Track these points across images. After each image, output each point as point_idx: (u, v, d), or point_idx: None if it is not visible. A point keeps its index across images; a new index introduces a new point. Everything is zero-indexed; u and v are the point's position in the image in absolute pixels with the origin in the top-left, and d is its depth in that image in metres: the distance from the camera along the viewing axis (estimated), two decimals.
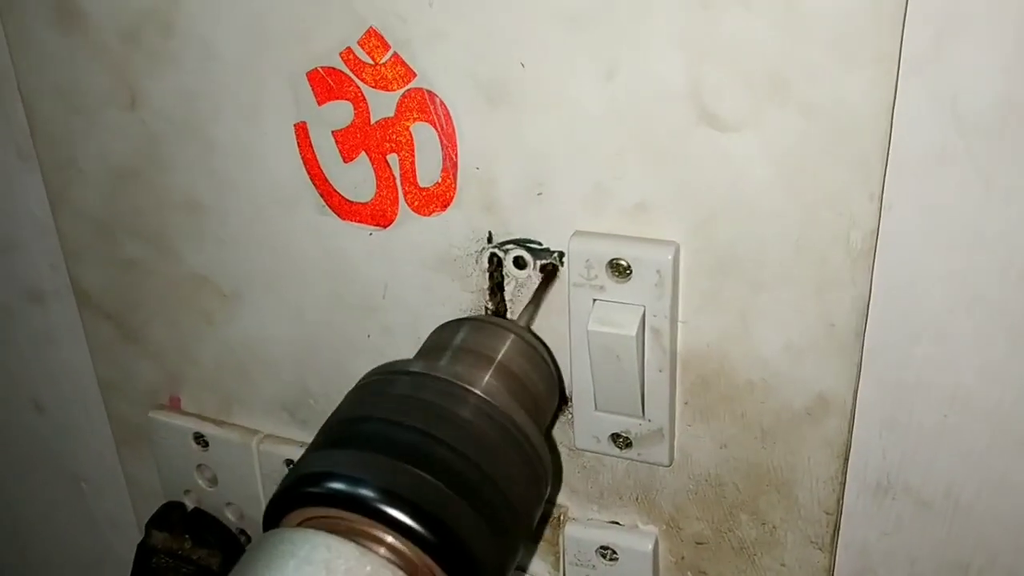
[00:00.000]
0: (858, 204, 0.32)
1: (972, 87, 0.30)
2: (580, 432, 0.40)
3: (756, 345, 0.36)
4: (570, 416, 0.40)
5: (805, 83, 0.31)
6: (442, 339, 0.37)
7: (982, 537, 0.37)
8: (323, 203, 0.41)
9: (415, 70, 0.37)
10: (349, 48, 0.37)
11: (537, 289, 0.38)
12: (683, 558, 0.42)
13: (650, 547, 0.41)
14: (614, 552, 0.42)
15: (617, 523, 0.42)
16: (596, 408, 0.38)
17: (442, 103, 0.37)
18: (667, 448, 0.39)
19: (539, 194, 0.37)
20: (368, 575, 0.27)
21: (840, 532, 0.39)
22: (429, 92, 0.37)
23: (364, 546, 0.28)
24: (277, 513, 0.30)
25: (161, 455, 0.52)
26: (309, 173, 0.41)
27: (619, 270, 0.35)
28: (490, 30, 0.35)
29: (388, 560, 0.28)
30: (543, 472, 0.33)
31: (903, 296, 0.34)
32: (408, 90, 0.37)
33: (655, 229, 0.36)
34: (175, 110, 0.43)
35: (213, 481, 0.51)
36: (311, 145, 0.40)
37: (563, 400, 0.40)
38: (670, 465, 0.39)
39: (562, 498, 0.43)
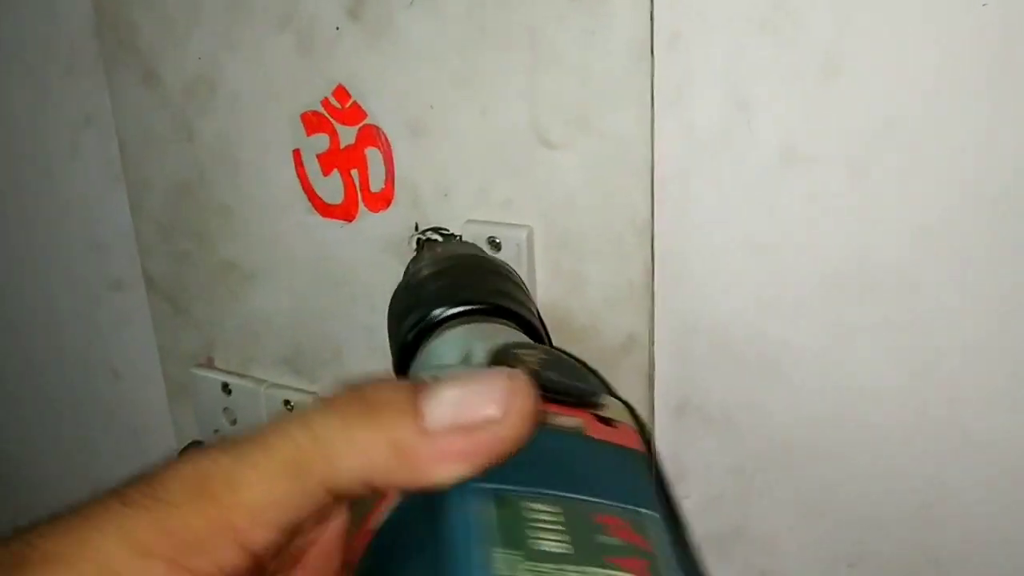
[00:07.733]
0: (637, 199, 0.49)
1: (701, 116, 0.47)
2: None
3: (587, 300, 0.52)
4: None
5: (597, 118, 0.48)
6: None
7: (751, 446, 0.52)
8: (310, 206, 0.59)
9: (367, 112, 0.55)
10: (326, 98, 0.56)
11: None
12: None
13: None
14: None
15: None
16: None
17: (384, 134, 0.55)
18: None
19: (445, 195, 0.54)
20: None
21: (657, 445, 0.54)
22: (376, 127, 0.55)
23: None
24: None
25: (198, 402, 0.70)
26: (301, 185, 0.59)
27: (494, 244, 0.52)
28: (411, 85, 0.53)
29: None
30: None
31: (677, 264, 0.50)
32: (363, 126, 0.55)
33: (518, 217, 0.53)
34: (215, 143, 0.62)
35: (233, 421, 0.69)
36: (302, 164, 0.59)
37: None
38: None
39: None
